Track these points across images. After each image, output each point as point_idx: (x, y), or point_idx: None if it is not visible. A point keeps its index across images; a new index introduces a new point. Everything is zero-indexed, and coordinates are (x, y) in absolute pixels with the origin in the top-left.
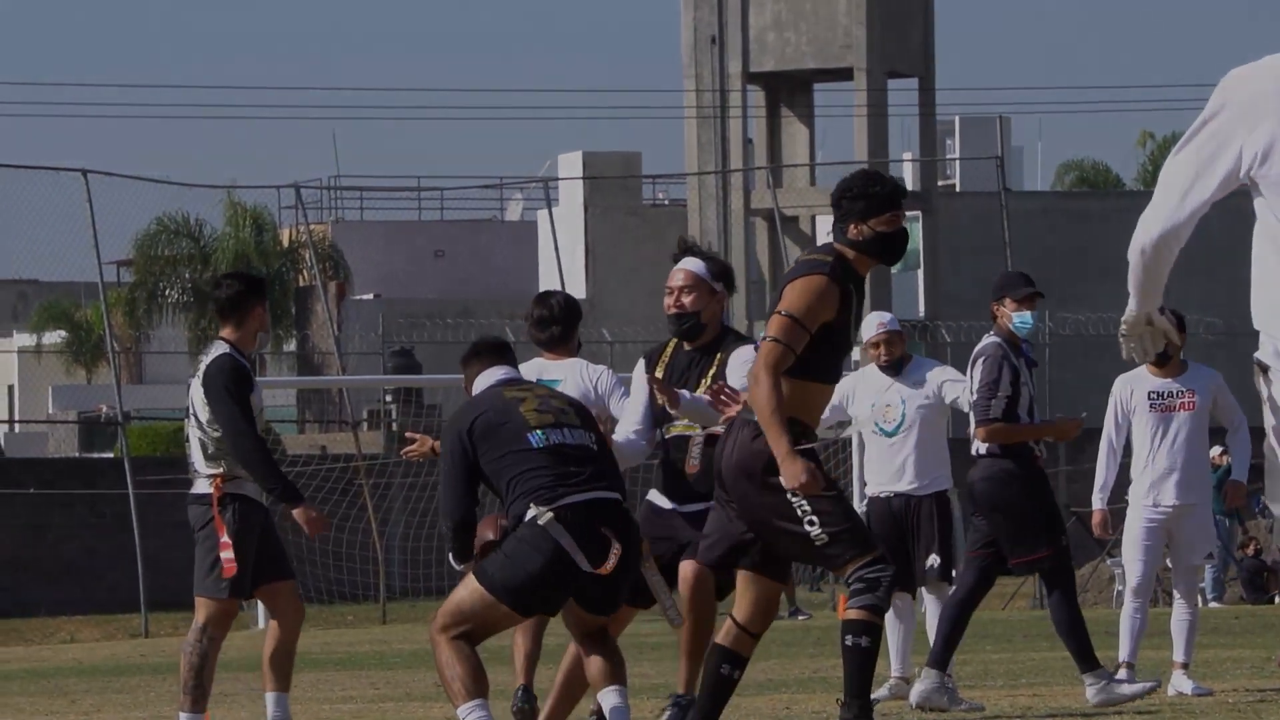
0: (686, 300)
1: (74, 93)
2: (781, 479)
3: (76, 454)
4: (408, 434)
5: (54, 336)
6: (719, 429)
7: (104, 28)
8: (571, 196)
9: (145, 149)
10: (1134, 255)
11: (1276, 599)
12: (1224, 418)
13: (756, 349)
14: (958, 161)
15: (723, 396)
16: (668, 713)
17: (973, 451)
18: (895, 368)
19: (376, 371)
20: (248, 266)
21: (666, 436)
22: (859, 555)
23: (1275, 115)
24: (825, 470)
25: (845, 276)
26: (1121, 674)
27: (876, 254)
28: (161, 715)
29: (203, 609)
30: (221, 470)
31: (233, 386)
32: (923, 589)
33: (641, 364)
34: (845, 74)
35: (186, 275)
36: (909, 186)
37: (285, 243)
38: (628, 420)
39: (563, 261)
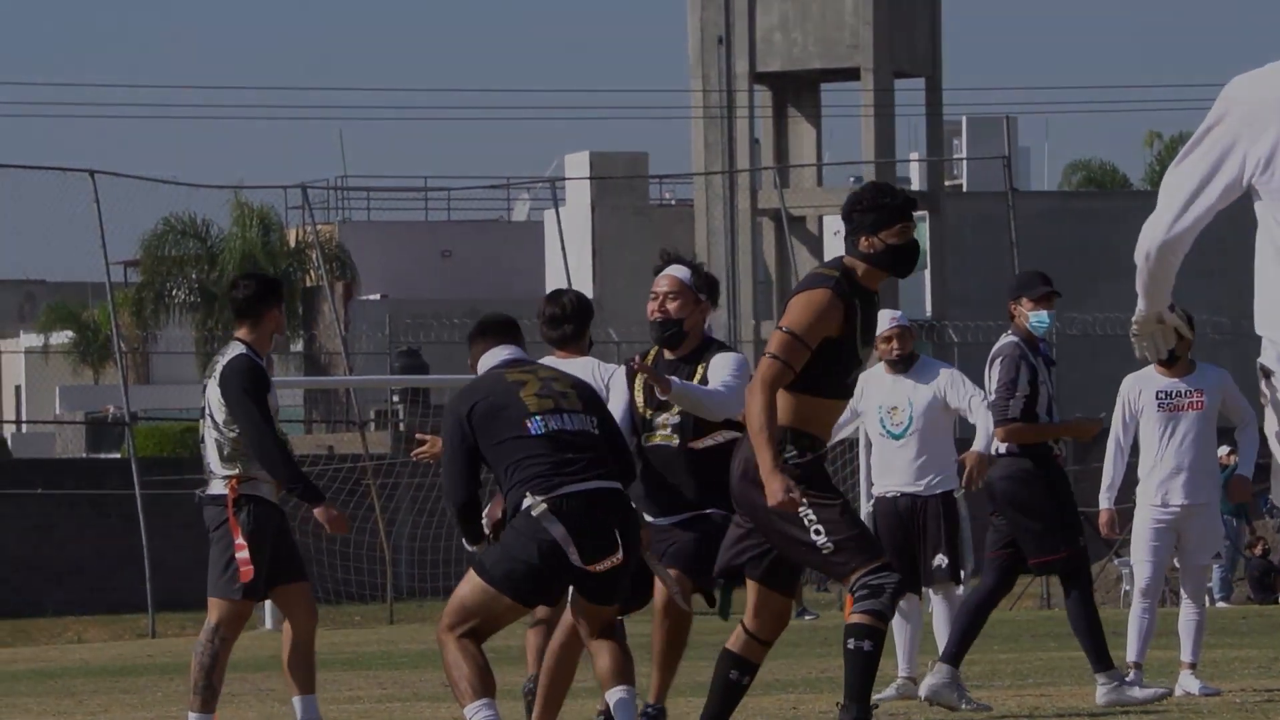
0: (671, 306)
1: (81, 93)
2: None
3: (83, 454)
4: (418, 435)
5: (61, 337)
6: (699, 443)
7: (110, 28)
8: (578, 197)
9: (152, 149)
10: (1140, 260)
11: None
12: (1233, 415)
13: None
14: (964, 161)
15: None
16: None
17: (992, 451)
18: (905, 364)
19: (383, 372)
20: (254, 267)
21: (646, 445)
22: (864, 563)
23: (1278, 123)
24: (832, 480)
25: (852, 291)
26: (1129, 674)
27: (888, 266)
28: (168, 715)
29: (216, 609)
30: (237, 471)
31: (250, 387)
32: (929, 589)
33: (622, 371)
34: (852, 74)
35: (193, 275)
36: (915, 186)
37: (292, 243)
38: None
39: (569, 262)
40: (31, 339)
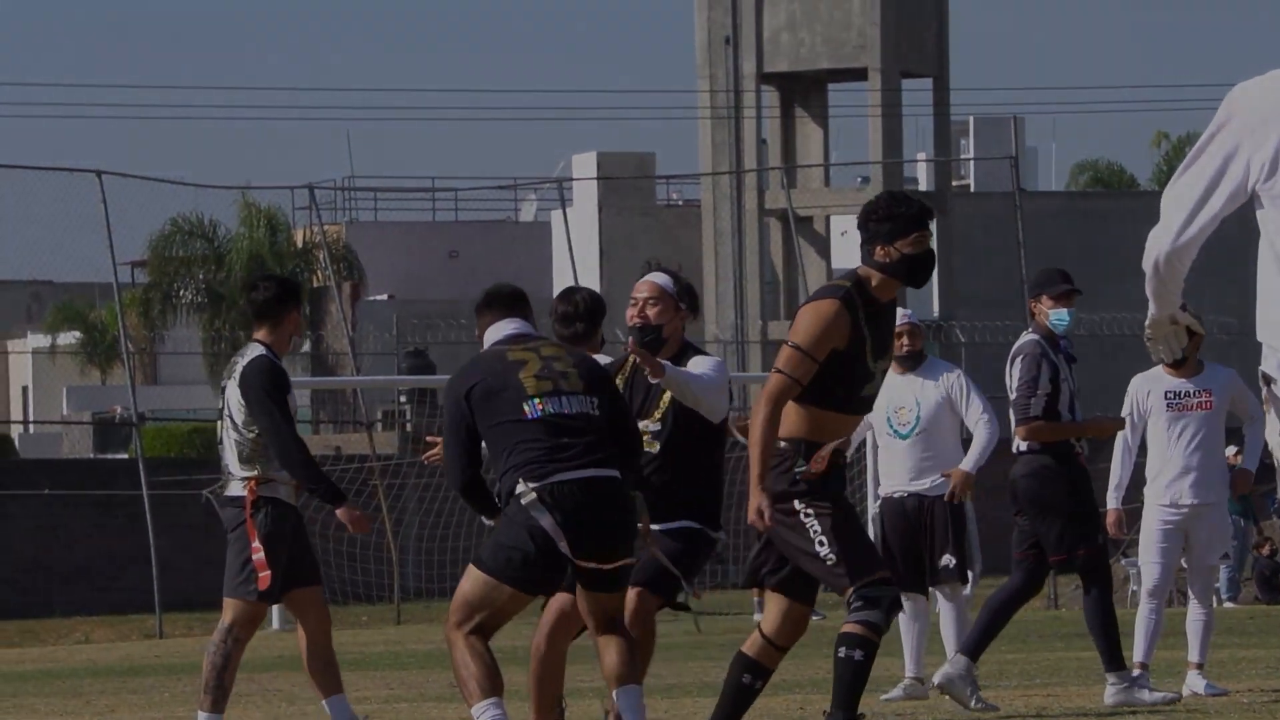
0: (651, 312)
1: (88, 93)
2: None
3: (91, 455)
4: (428, 438)
5: (68, 337)
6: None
7: (117, 28)
8: (585, 197)
9: (160, 150)
10: (1149, 268)
11: None
12: (1241, 413)
13: (717, 363)
14: (972, 162)
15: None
16: None
17: (1013, 449)
18: (913, 361)
19: (390, 372)
20: (262, 267)
21: None
22: (863, 575)
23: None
24: (845, 494)
25: (864, 302)
26: (1136, 674)
27: (903, 276)
28: (175, 716)
29: (230, 610)
30: (256, 473)
31: (271, 387)
32: (936, 589)
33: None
34: (859, 74)
35: (201, 276)
36: (923, 187)
37: (299, 243)
38: None
39: (576, 262)
40: (39, 339)
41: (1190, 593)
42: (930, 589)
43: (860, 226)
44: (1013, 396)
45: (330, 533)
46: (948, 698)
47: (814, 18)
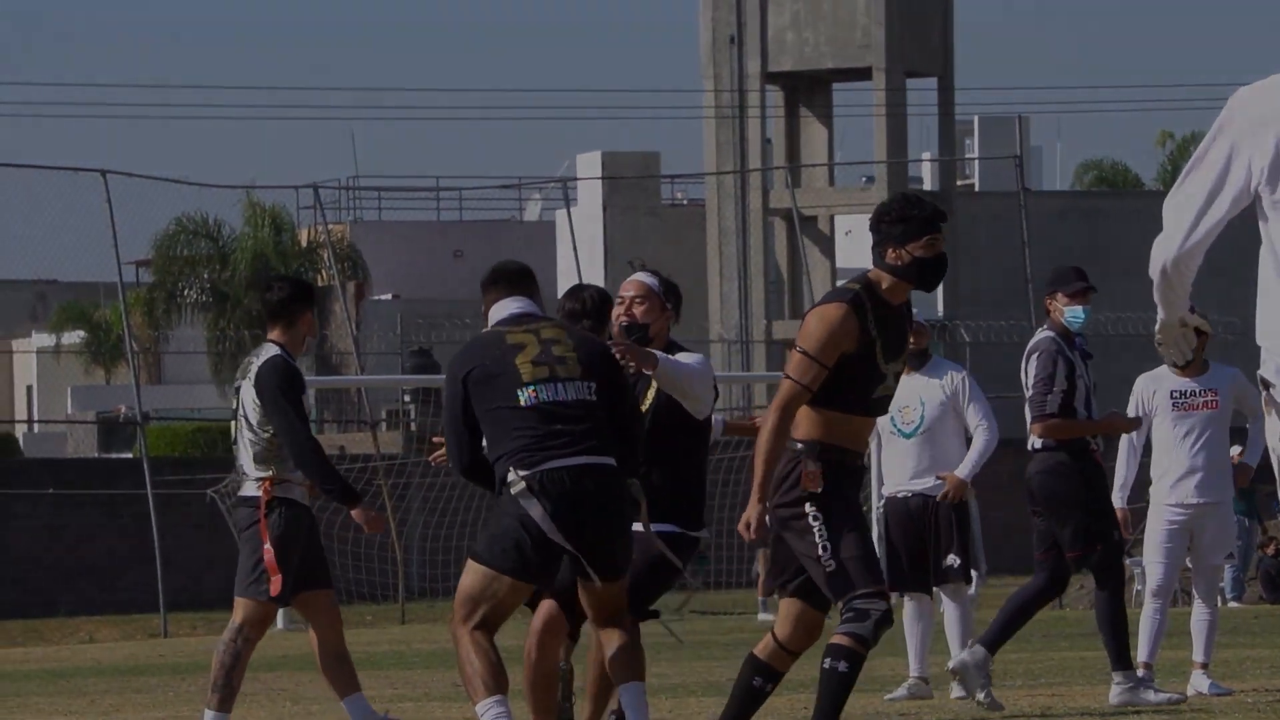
0: (638, 311)
1: (93, 93)
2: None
3: (95, 454)
4: (434, 439)
5: (73, 337)
6: None
7: (121, 28)
8: (590, 197)
9: (164, 149)
10: (1156, 275)
11: None
12: (1247, 411)
13: (702, 362)
14: (977, 161)
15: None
16: None
17: (1029, 446)
18: (918, 360)
19: (395, 372)
20: (266, 267)
21: None
22: (858, 587)
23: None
24: (858, 499)
25: (873, 305)
26: (1141, 674)
27: (914, 279)
28: (180, 715)
29: (241, 609)
30: (270, 473)
31: (287, 387)
32: (940, 589)
33: None
34: (864, 74)
35: (205, 276)
36: (927, 186)
37: (304, 243)
38: None
39: (581, 262)
40: (43, 339)
41: (1195, 592)
42: (935, 589)
43: (872, 228)
44: (1029, 394)
45: (335, 532)
46: (951, 696)
47: (818, 17)
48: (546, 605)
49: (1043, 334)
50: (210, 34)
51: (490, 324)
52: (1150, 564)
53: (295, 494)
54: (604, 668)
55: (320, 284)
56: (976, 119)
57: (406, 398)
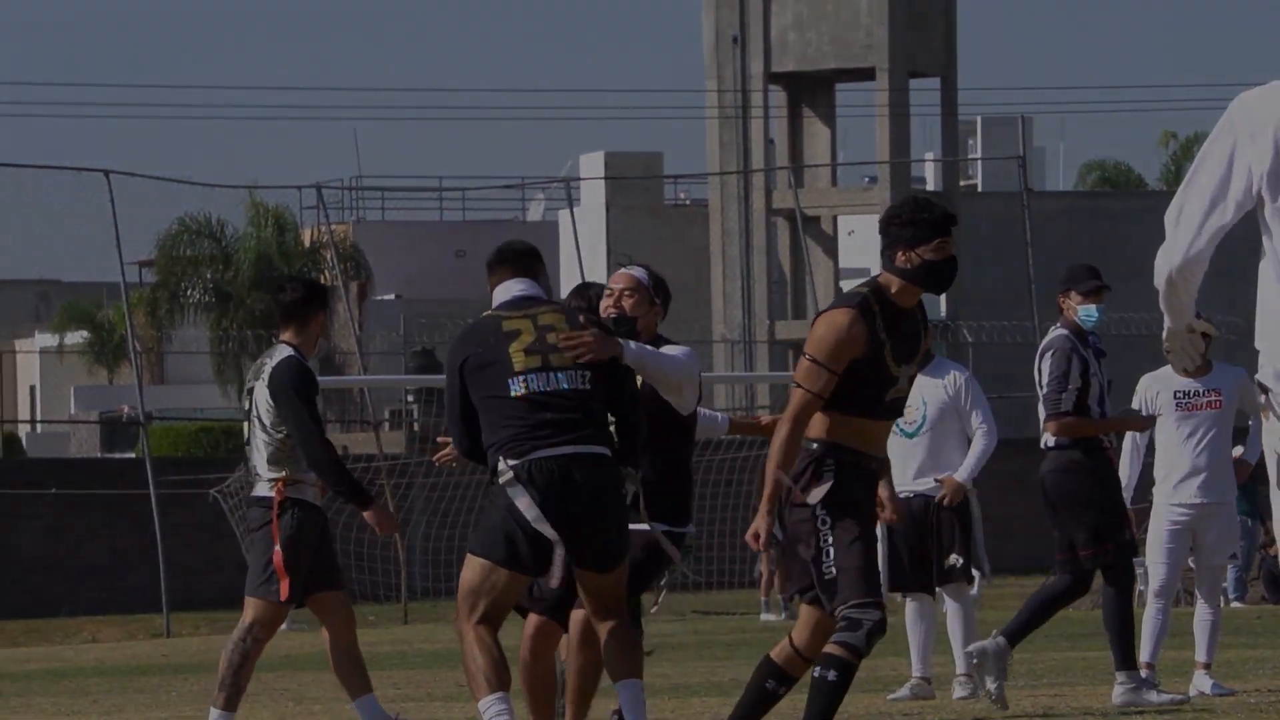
0: (626, 303)
1: (96, 93)
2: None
3: (98, 454)
4: (439, 438)
5: (76, 337)
6: None
7: (125, 28)
8: (593, 197)
9: (167, 149)
10: (1162, 284)
11: None
12: (1249, 408)
13: (688, 353)
14: (980, 162)
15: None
16: None
17: (1041, 444)
18: (922, 359)
19: (398, 372)
20: (269, 267)
21: None
22: (853, 596)
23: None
24: (871, 504)
25: (882, 309)
26: (1143, 675)
27: (923, 282)
28: (182, 715)
29: (252, 609)
30: (284, 474)
31: (301, 388)
32: (942, 590)
33: None
34: (867, 74)
35: (208, 276)
36: (930, 186)
37: (307, 243)
38: None
39: (584, 262)
40: (46, 339)
41: (1197, 593)
42: (937, 589)
43: (882, 232)
44: (1043, 392)
45: (337, 532)
46: (953, 697)
47: (821, 17)
48: (535, 617)
49: (1056, 332)
50: (213, 34)
51: (494, 305)
52: (1153, 564)
53: (308, 495)
54: (582, 677)
55: (323, 284)
56: (979, 119)
57: (409, 398)
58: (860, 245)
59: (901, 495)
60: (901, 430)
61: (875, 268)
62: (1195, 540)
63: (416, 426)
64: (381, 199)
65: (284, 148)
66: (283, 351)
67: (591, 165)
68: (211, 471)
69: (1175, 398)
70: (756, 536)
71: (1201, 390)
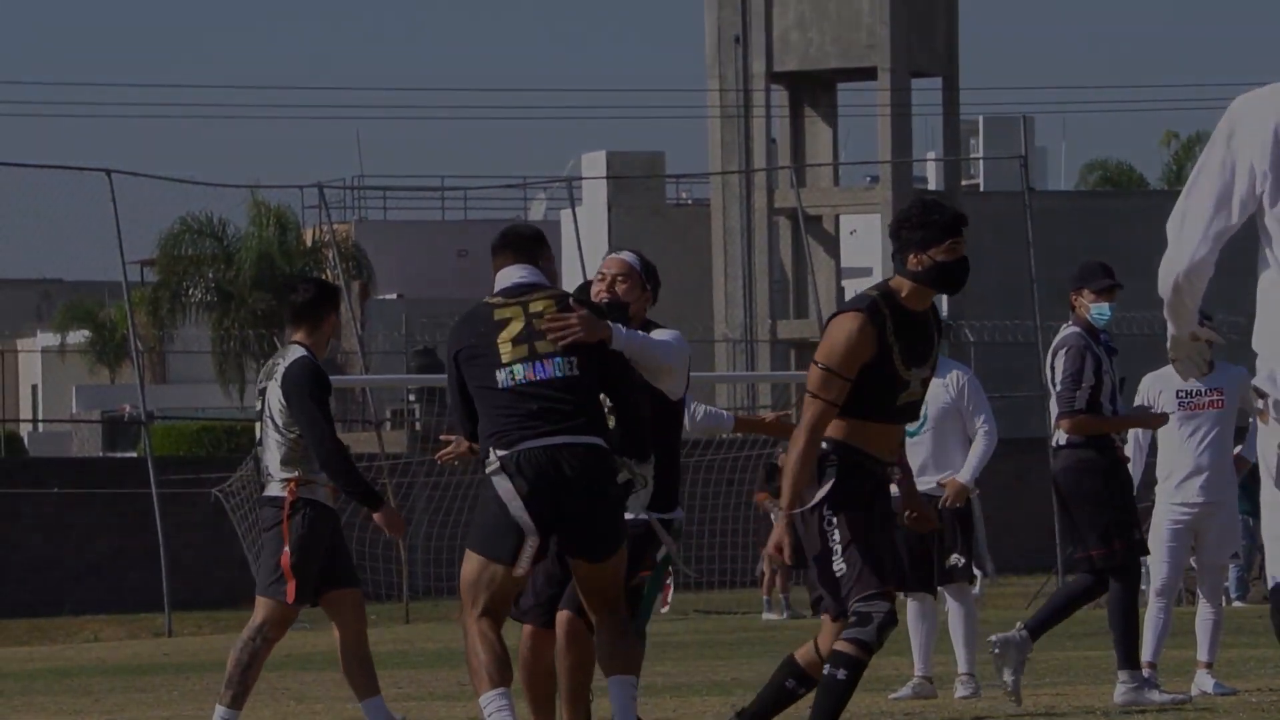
0: (620, 289)
1: (98, 93)
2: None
3: (100, 453)
4: (442, 436)
5: (78, 336)
6: None
7: (126, 28)
8: (595, 196)
9: (169, 149)
10: (1167, 292)
11: None
12: (1249, 407)
13: (678, 339)
14: (981, 161)
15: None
16: None
17: (1053, 442)
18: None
19: (399, 371)
20: (271, 267)
21: None
22: (863, 590)
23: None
24: (876, 513)
25: (891, 312)
26: (1145, 674)
27: (935, 283)
28: (184, 714)
29: (263, 609)
30: (296, 474)
31: (314, 388)
32: (944, 589)
33: None
34: (869, 73)
35: (210, 275)
36: (932, 186)
37: (308, 242)
38: None
39: (586, 261)
40: (48, 338)
41: (1199, 592)
42: (939, 588)
43: (892, 235)
44: (1055, 389)
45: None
46: (955, 696)
47: (823, 17)
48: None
49: (1069, 330)
50: (214, 34)
51: (496, 289)
52: (1155, 563)
53: (320, 495)
54: (571, 677)
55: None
56: (981, 119)
57: (411, 397)
58: (862, 245)
59: None
60: None
61: (877, 267)
62: (1197, 540)
63: (418, 426)
64: (383, 198)
65: (286, 147)
66: (295, 352)
67: (593, 165)
68: (213, 471)
69: (1178, 397)
70: (779, 549)
71: (1204, 390)
